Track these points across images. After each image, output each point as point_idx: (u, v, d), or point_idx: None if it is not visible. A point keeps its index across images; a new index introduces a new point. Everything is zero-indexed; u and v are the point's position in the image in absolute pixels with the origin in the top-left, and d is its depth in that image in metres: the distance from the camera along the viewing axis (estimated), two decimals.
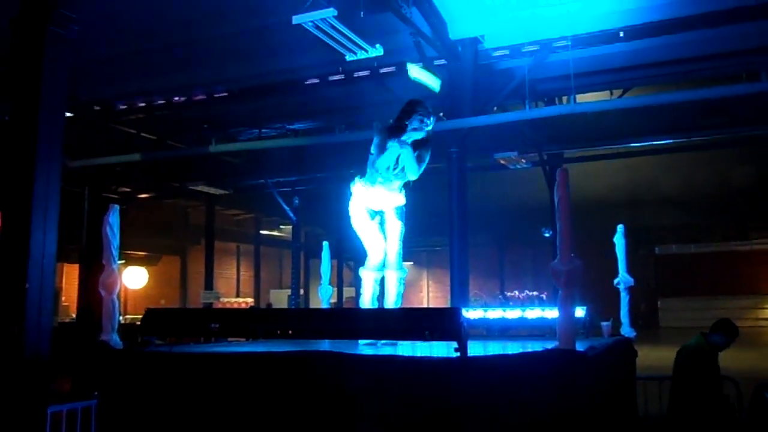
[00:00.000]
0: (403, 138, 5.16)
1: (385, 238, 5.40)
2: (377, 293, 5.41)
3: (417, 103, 5.21)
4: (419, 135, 5.20)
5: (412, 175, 5.26)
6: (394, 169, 5.26)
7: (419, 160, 5.24)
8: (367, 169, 5.36)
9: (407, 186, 5.48)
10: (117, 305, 4.43)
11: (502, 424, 3.26)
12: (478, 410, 3.29)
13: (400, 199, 5.44)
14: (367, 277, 5.35)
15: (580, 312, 5.72)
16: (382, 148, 5.14)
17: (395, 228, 5.41)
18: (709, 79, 12.04)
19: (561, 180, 3.45)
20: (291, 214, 18.79)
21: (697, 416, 5.55)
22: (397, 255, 5.40)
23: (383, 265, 5.37)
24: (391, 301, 5.34)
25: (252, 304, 25.11)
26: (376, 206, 5.39)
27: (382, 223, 5.44)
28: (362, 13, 8.01)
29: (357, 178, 5.40)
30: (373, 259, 5.36)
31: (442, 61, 10.26)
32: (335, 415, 3.55)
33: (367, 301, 5.33)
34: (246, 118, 14.59)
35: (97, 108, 13.03)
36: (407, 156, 5.16)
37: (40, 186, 4.75)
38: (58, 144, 4.94)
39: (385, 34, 9.29)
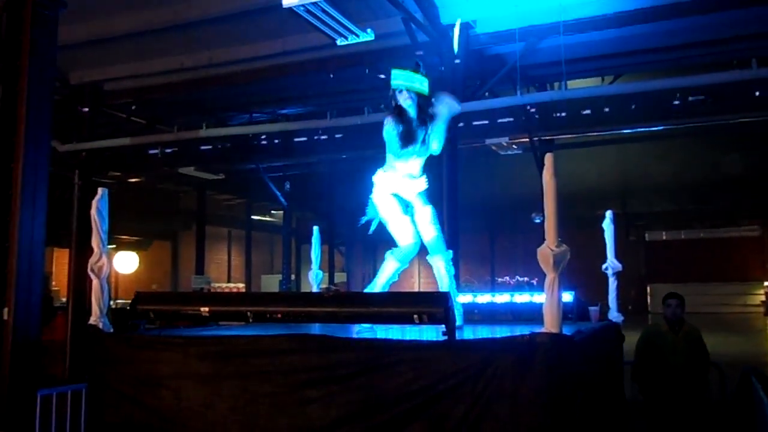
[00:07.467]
0: (407, 116, 5.25)
1: (415, 226, 5.36)
2: (393, 280, 5.40)
3: (389, 82, 5.30)
4: (412, 106, 5.26)
5: (437, 145, 5.35)
6: (407, 146, 5.27)
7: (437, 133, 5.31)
8: (387, 157, 5.39)
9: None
10: (107, 289, 4.43)
11: (489, 407, 3.29)
12: (466, 393, 3.32)
13: (422, 184, 5.48)
14: (390, 263, 5.35)
15: (567, 297, 5.77)
16: (395, 132, 5.19)
17: (425, 213, 5.40)
18: (700, 65, 12.07)
19: (548, 165, 3.47)
20: (282, 199, 18.77)
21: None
22: (436, 239, 5.38)
23: (409, 255, 5.33)
24: (446, 285, 5.32)
25: (243, 289, 25.09)
26: (403, 193, 5.41)
27: (411, 214, 5.41)
28: None
29: (379, 170, 5.42)
30: (404, 247, 5.33)
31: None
32: (323, 398, 3.58)
33: (378, 284, 5.34)
34: (236, 102, 14.55)
35: (86, 92, 12.95)
36: (438, 129, 5.30)
37: (29, 170, 4.74)
38: (46, 127, 4.92)
39: (377, 19, 9.25)
